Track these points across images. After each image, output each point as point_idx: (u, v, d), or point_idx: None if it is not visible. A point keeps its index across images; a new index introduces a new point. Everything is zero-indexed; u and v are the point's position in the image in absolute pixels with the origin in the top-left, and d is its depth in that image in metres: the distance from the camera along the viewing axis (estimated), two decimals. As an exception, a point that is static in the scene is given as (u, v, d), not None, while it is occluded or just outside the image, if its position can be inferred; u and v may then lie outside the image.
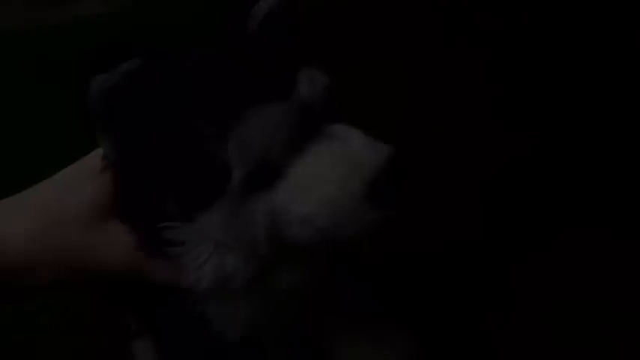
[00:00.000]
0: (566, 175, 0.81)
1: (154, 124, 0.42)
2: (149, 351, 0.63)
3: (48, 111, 0.85)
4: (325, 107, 0.44)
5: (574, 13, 0.98)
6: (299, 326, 0.59)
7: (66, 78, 0.41)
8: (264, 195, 0.42)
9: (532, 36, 0.98)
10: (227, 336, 0.52)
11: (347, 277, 0.60)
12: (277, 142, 0.41)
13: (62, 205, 0.47)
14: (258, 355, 0.56)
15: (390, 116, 0.87)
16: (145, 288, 0.50)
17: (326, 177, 0.41)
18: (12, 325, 0.73)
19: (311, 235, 0.43)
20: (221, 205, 0.42)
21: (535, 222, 0.77)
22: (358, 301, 0.62)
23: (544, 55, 0.95)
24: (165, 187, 0.44)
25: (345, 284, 0.60)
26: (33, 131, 0.98)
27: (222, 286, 0.47)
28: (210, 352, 0.54)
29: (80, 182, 0.48)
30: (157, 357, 0.62)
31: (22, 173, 0.52)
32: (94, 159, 0.47)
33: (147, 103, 0.41)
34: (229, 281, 0.46)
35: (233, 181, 0.41)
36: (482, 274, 0.73)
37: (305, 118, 0.42)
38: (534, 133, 0.86)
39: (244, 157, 0.41)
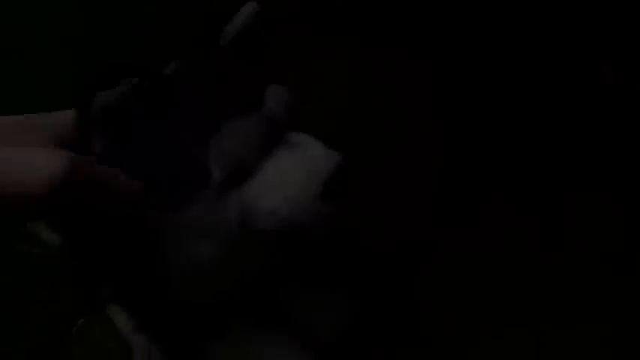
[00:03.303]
0: (511, 177, 0.85)
1: (146, 134, 0.50)
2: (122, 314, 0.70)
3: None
4: (288, 119, 0.53)
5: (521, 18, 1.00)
6: (261, 294, 0.65)
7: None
8: (237, 191, 0.51)
9: (479, 39, 0.99)
10: (192, 301, 0.59)
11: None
12: (249, 149, 0.50)
13: None
14: (220, 320, 0.63)
15: (332, 118, 0.89)
16: (119, 256, 0.56)
17: (289, 178, 0.51)
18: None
19: (274, 224, 0.52)
20: (200, 200, 0.50)
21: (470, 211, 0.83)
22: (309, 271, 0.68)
23: (490, 58, 0.97)
24: (149, 182, 0.52)
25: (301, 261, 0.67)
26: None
27: (194, 265, 0.54)
28: (176, 314, 0.60)
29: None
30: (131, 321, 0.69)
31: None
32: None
33: (139, 117, 0.49)
34: (200, 261, 0.54)
35: (213, 181, 0.50)
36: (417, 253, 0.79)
37: (272, 127, 0.51)
38: (476, 136, 0.90)
39: (222, 161, 0.49)
